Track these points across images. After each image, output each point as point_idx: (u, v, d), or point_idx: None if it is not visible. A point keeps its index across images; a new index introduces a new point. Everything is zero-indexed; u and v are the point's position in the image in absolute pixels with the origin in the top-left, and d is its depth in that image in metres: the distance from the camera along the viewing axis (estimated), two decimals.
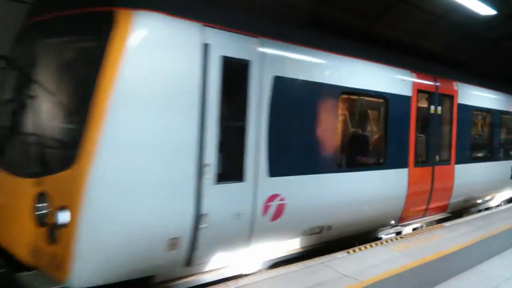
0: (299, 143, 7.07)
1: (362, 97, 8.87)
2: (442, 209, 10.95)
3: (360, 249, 7.61)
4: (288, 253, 7.33)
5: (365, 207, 8.22)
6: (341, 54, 7.85)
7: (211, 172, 5.73)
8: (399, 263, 6.89)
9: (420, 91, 9.56)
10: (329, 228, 7.65)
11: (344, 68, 7.88)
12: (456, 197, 11.00)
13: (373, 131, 9.79)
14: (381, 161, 8.86)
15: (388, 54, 9.38)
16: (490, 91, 12.77)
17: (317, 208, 7.29)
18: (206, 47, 5.61)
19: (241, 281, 5.88)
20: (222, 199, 5.93)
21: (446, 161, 10.65)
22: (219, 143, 5.82)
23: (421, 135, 10.03)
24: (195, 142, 5.55)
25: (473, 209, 12.94)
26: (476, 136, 12.91)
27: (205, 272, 6.22)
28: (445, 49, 14.01)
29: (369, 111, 9.82)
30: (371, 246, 7.87)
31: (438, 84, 10.14)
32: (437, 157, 10.25)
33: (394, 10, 11.66)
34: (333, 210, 7.60)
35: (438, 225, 9.94)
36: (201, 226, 5.65)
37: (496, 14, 12.10)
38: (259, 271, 6.90)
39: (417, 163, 9.52)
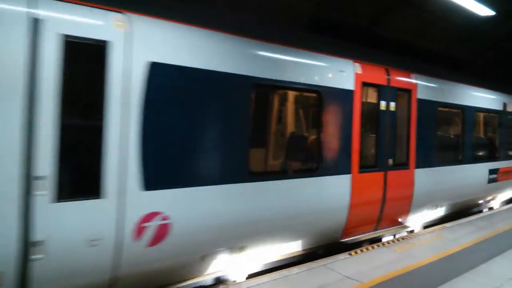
0: (190, 147, 5.64)
1: (284, 91, 7.60)
2: (396, 221, 9.41)
3: (362, 251, 7.61)
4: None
5: (291, 223, 6.92)
6: (252, 38, 6.48)
7: (47, 186, 4.48)
8: (401, 264, 6.89)
9: (366, 84, 8.20)
10: (242, 249, 6.44)
11: (258, 55, 6.49)
12: (419, 206, 9.60)
13: (300, 130, 8.23)
14: (314, 167, 7.32)
15: (324, 41, 8.23)
16: (461, 85, 11.30)
17: (220, 227, 5.94)
18: (36, 23, 4.43)
19: (243, 284, 5.88)
20: (67, 221, 4.62)
21: (403, 165, 9.18)
22: (61, 148, 4.59)
23: (370, 135, 8.83)
24: (17, 147, 4.33)
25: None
26: (444, 136, 11.39)
27: (205, 274, 6.20)
28: (445, 49, 14.03)
29: (294, 107, 8.16)
30: (373, 247, 7.87)
31: (390, 76, 8.76)
32: (391, 161, 8.79)
33: (394, 10, 11.66)
34: (245, 228, 6.28)
35: (440, 225, 9.93)
36: (33, 257, 4.41)
37: (495, 14, 12.13)
38: (261, 273, 6.90)
39: (363, 168, 8.14)
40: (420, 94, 9.52)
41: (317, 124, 7.39)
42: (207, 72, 5.77)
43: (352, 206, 7.79)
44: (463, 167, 11.23)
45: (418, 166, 9.45)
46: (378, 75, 8.52)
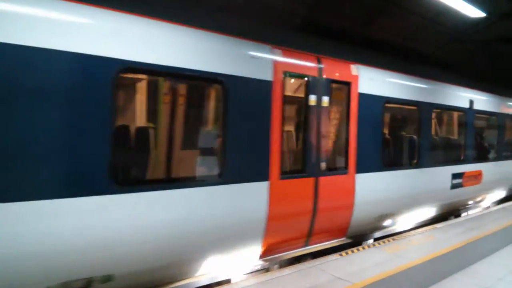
0: None
1: (167, 78, 6.01)
2: (339, 233, 8.28)
3: (353, 251, 7.63)
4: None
5: (185, 242, 5.71)
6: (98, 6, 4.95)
7: None
8: (392, 264, 6.91)
9: (289, 74, 7.02)
10: (107, 279, 5.02)
11: (122, 30, 5.10)
12: (361, 217, 8.38)
13: (195, 127, 6.77)
14: (216, 172, 6.12)
15: (230, 22, 6.95)
16: (418, 79, 10.01)
17: (55, 254, 4.57)
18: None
19: (235, 285, 5.88)
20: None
21: (341, 170, 7.99)
22: None
23: (295, 136, 7.94)
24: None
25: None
26: (395, 136, 10.31)
27: (197, 276, 6.20)
28: (436, 51, 14.12)
29: (185, 97, 6.56)
30: (363, 248, 7.89)
31: (322, 66, 7.46)
32: (324, 165, 7.52)
33: (386, 13, 11.71)
34: (106, 253, 4.96)
35: (430, 226, 9.98)
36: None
37: (486, 16, 12.23)
38: (252, 274, 6.91)
39: (286, 174, 6.96)
40: (363, 88, 8.25)
41: (220, 119, 6.20)
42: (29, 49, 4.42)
43: (271, 219, 6.63)
44: (420, 171, 9.93)
45: (361, 170, 8.20)
46: (306, 65, 7.29)
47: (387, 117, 9.56)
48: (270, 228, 6.67)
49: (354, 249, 7.84)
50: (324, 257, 7.24)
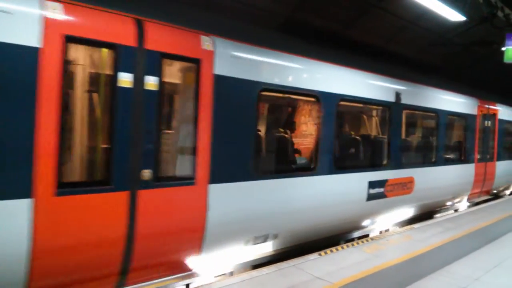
0: None
1: None
2: (182, 265, 6.08)
3: (332, 251, 7.66)
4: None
5: None
6: None
7: None
8: (370, 264, 6.97)
9: (79, 40, 4.96)
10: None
11: None
12: (222, 240, 6.44)
13: None
14: None
15: None
16: (319, 63, 7.86)
17: None
18: None
19: (213, 284, 5.85)
20: None
21: (183, 180, 5.87)
22: None
23: (94, 128, 5.66)
24: None
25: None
26: (276, 135, 8.46)
27: (175, 278, 6.14)
28: (417, 54, 14.29)
29: None
30: (342, 248, 7.94)
31: (146, 33, 5.36)
32: (148, 173, 5.37)
33: (368, 15, 11.81)
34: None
35: (408, 226, 10.09)
36: None
37: (466, 20, 12.41)
38: (231, 274, 6.89)
39: (71, 188, 4.84)
40: (222, 68, 6.17)
41: None
42: None
43: (40, 253, 4.59)
44: (315, 179, 7.84)
45: (218, 179, 6.15)
46: (111, 28, 5.16)
47: (264, 109, 8.11)
48: (39, 266, 4.65)
49: (333, 248, 7.87)
50: (303, 256, 7.25)
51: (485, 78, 18.26)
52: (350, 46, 10.82)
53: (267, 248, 7.42)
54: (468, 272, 6.83)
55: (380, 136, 10.58)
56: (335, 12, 11.16)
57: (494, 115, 15.12)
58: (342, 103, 8.37)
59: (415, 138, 12.23)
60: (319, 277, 6.28)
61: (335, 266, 6.80)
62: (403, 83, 10.16)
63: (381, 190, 9.36)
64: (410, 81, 10.50)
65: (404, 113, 10.59)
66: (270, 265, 6.78)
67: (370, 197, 8.99)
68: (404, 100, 10.03)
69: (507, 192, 18.14)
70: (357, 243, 8.33)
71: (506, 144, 16.51)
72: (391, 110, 9.81)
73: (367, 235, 9.72)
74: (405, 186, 10.18)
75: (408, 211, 10.97)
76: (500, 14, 13.10)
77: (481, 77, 18.11)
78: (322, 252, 7.53)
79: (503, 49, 12.62)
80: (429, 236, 9.08)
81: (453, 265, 7.20)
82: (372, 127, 11.21)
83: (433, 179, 11.39)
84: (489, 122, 14.66)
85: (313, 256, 7.29)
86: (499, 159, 15.61)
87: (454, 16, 11.56)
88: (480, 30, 14.12)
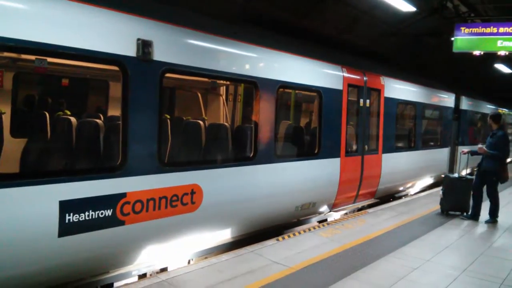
0: None
1: None
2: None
3: (289, 236, 7.78)
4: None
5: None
6: None
7: None
8: (327, 248, 7.13)
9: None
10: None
11: None
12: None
13: None
14: None
15: None
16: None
17: None
18: None
19: (172, 273, 5.83)
20: None
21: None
22: None
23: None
24: None
25: None
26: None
27: (133, 265, 6.06)
28: (370, 44, 14.58)
29: None
30: (299, 233, 8.07)
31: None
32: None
33: (322, 5, 11.93)
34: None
35: (362, 211, 10.37)
36: None
37: (416, 11, 12.78)
38: (190, 262, 6.88)
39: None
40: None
41: None
42: None
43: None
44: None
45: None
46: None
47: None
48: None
49: (291, 233, 7.99)
50: (261, 242, 7.32)
51: (437, 69, 18.88)
52: (304, 36, 10.91)
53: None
54: (421, 254, 7.10)
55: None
56: (291, 1, 11.21)
57: (378, 91, 11.47)
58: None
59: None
60: (277, 261, 6.37)
61: (292, 251, 6.91)
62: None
63: (106, 213, 5.29)
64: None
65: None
66: (229, 252, 6.82)
67: (66, 229, 4.95)
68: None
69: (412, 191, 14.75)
70: (314, 228, 8.49)
71: (399, 131, 12.95)
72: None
73: (325, 220, 9.91)
74: (174, 201, 6.12)
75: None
76: (449, 5, 13.58)
77: (434, 68, 18.71)
78: (280, 238, 7.63)
79: (452, 39, 13.04)
80: (383, 220, 9.38)
81: (406, 246, 7.46)
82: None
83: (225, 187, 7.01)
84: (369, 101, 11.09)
85: (271, 241, 7.38)
86: (386, 150, 11.70)
87: (406, 7, 11.89)
88: (430, 22, 14.55)
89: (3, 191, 4.47)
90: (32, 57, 5.08)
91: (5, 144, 5.70)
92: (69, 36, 4.97)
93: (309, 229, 8.39)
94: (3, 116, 5.96)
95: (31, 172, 5.70)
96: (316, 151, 9.15)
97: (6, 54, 5.77)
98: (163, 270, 6.37)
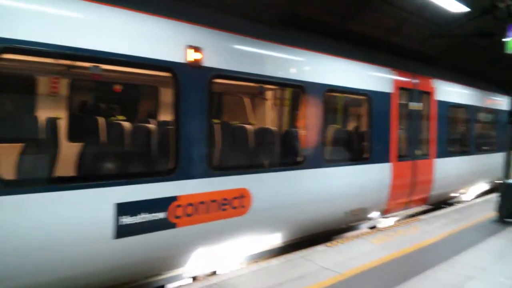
0: None
1: None
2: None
3: (339, 242, 7.64)
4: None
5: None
6: None
7: None
8: (378, 255, 6.95)
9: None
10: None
11: None
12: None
13: None
14: None
15: None
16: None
17: None
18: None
19: (222, 276, 5.85)
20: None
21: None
22: None
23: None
24: None
25: None
26: None
27: (184, 268, 6.13)
28: (419, 45, 14.23)
29: None
30: (349, 239, 7.92)
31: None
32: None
33: (368, 7, 11.75)
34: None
35: (414, 218, 10.07)
36: None
37: (467, 11, 12.38)
38: (241, 265, 6.88)
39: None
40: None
41: None
42: None
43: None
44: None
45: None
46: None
47: None
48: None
49: (341, 240, 7.85)
50: (311, 247, 7.24)
51: (490, 71, 18.22)
52: (350, 38, 10.74)
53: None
54: (476, 262, 6.81)
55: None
56: (335, 6, 11.09)
57: (428, 94, 11.17)
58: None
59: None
60: (327, 267, 6.27)
61: (342, 257, 6.79)
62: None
63: (159, 216, 5.42)
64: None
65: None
66: (279, 256, 6.78)
67: (122, 231, 5.09)
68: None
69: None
70: (364, 234, 8.31)
71: (451, 135, 12.51)
72: None
73: (375, 226, 9.69)
74: (231, 204, 6.25)
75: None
76: (501, 5, 13.05)
77: (487, 70, 18.07)
78: (329, 244, 7.51)
79: (504, 40, 12.52)
80: (436, 227, 9.07)
81: (460, 255, 7.17)
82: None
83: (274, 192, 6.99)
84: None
85: (321, 247, 7.28)
86: (438, 155, 11.41)
87: (456, 7, 11.54)
88: (481, 22, 14.06)
89: (61, 194, 4.61)
90: (87, 64, 5.22)
91: (61, 148, 5.89)
92: (124, 44, 5.14)
93: (359, 235, 8.22)
94: (60, 121, 6.15)
95: (89, 176, 5.83)
96: (366, 156, 8.97)
97: (79, 63, 5.80)
98: (214, 273, 6.40)
